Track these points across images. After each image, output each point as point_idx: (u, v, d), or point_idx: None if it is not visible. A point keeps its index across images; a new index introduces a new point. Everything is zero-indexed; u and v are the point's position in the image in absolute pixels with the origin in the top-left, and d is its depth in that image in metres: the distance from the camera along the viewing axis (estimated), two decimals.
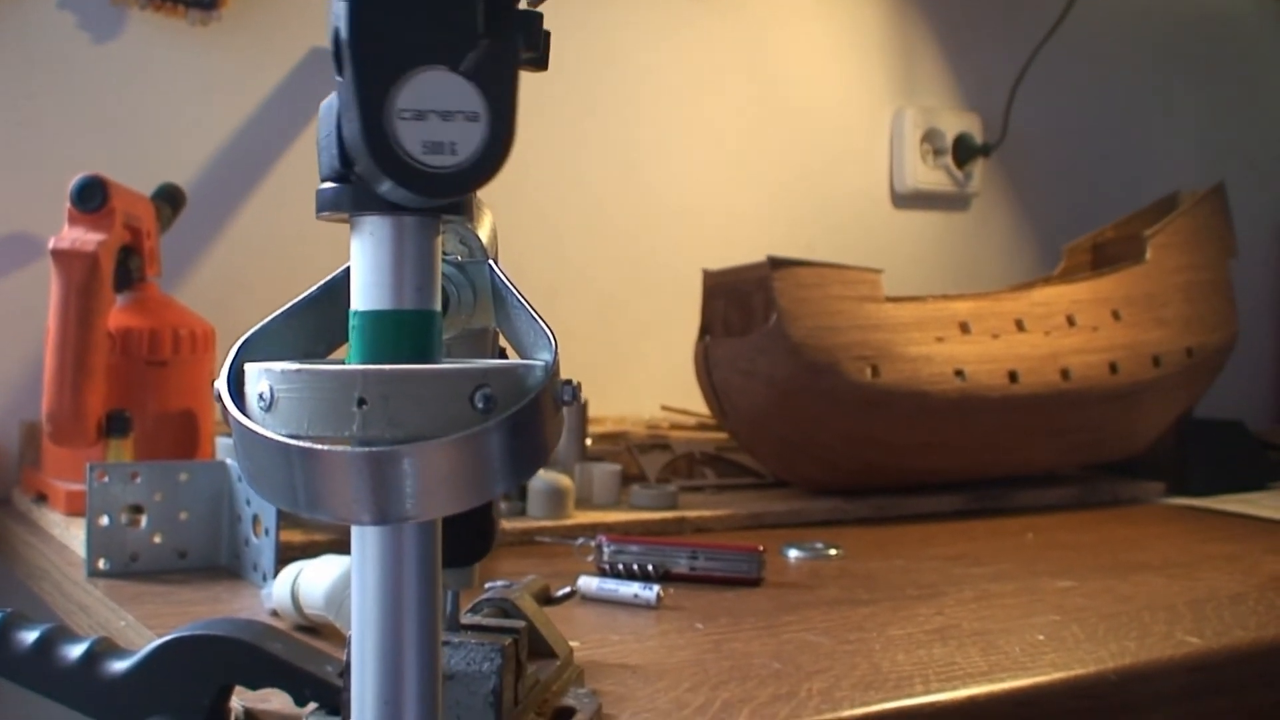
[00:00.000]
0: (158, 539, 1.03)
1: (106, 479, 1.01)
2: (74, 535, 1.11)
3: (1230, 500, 1.61)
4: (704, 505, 1.34)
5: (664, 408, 1.72)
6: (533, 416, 0.45)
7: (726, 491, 1.46)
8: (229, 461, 1.06)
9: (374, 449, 0.42)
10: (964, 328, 1.44)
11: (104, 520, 1.02)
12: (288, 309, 0.51)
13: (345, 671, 0.58)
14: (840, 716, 0.75)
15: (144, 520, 1.03)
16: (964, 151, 2.06)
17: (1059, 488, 1.57)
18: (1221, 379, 1.69)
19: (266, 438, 0.44)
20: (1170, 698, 0.90)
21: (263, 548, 1.00)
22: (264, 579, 0.98)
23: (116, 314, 1.22)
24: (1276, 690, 0.97)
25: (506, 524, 1.20)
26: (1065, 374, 1.47)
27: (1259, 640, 0.96)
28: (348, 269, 0.48)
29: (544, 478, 1.25)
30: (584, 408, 1.39)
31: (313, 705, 0.68)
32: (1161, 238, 1.62)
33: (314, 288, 0.51)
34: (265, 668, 0.68)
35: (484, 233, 0.55)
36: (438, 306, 0.46)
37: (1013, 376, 1.44)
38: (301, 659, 0.69)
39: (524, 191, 1.72)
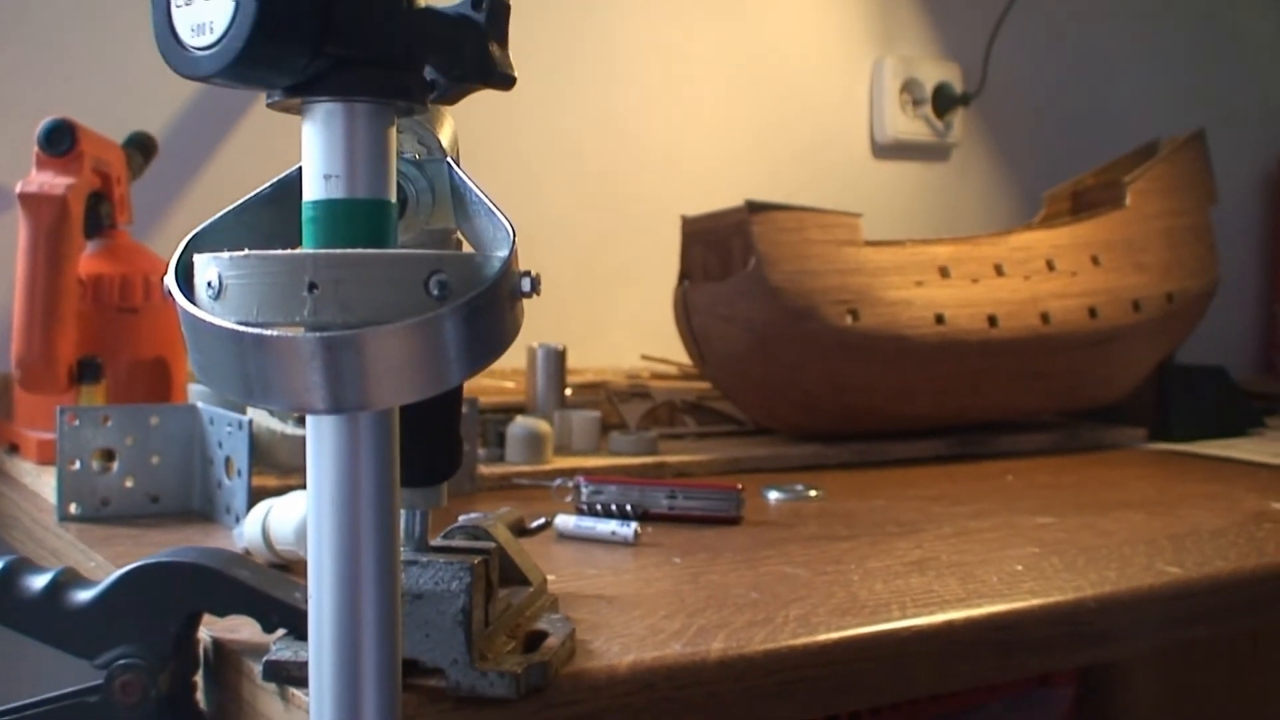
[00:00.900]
0: (129, 483, 1.02)
1: (77, 422, 1.00)
2: (45, 483, 1.10)
3: (1212, 445, 1.60)
4: (684, 451, 1.33)
5: (644, 357, 1.71)
6: (489, 305, 0.44)
7: (707, 439, 1.45)
8: (200, 405, 1.04)
9: (326, 334, 0.41)
10: (943, 272, 1.43)
11: (75, 464, 1.01)
12: (239, 205, 0.49)
13: None
14: (816, 640, 0.74)
15: (115, 465, 1.02)
16: (943, 101, 2.05)
17: (1040, 433, 1.56)
18: (1204, 327, 1.69)
19: (216, 326, 0.43)
20: (1151, 625, 0.90)
21: (235, 490, 0.99)
22: (236, 521, 0.97)
23: (87, 260, 1.20)
24: (1259, 616, 0.97)
25: (484, 469, 1.19)
26: (1045, 318, 1.47)
27: (1239, 570, 0.96)
28: (300, 167, 0.47)
29: (522, 423, 1.24)
30: (562, 355, 1.38)
31: (281, 632, 0.67)
32: (1141, 184, 1.61)
33: (266, 185, 0.50)
34: (232, 594, 0.67)
35: (444, 136, 0.54)
36: (392, 198, 0.45)
37: (992, 321, 1.43)
38: (269, 585, 0.68)
39: (502, 141, 1.70)
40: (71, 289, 1.13)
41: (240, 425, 0.98)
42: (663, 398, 1.51)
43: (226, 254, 0.44)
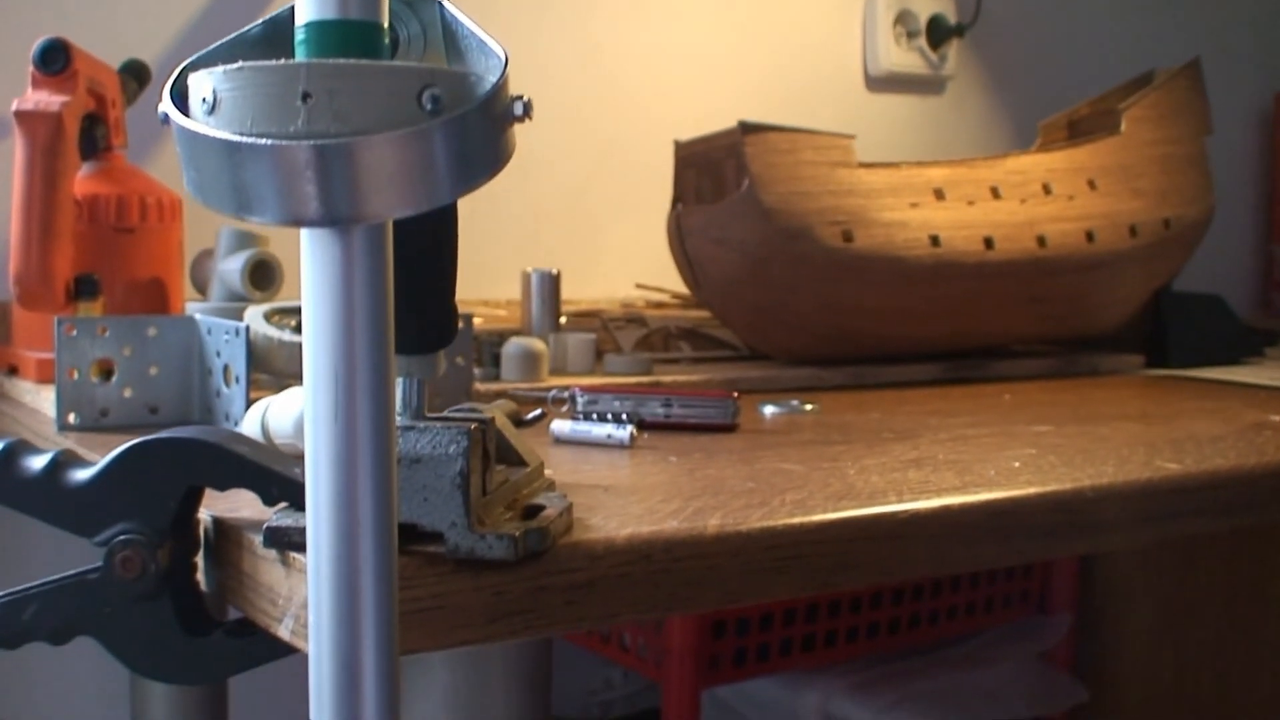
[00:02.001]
0: (128, 393, 1.02)
1: (75, 333, 1.00)
2: (44, 398, 1.10)
3: (1210, 372, 1.61)
4: (679, 374, 1.33)
5: (639, 286, 1.71)
6: (480, 122, 0.44)
7: (703, 363, 1.45)
8: (198, 316, 1.05)
9: (320, 142, 0.41)
10: (939, 194, 1.43)
11: (74, 374, 1.01)
12: (229, 40, 0.50)
13: None
14: (813, 520, 0.74)
15: (114, 376, 1.02)
16: (937, 33, 2.04)
17: (1037, 359, 1.57)
18: (1200, 265, 1.69)
19: (211, 138, 0.43)
20: (1151, 517, 0.90)
21: (233, 397, 0.99)
22: (235, 428, 0.97)
23: (83, 181, 1.20)
24: (1260, 512, 0.97)
25: (479, 386, 1.19)
26: (1041, 241, 1.47)
27: (1239, 467, 0.96)
28: (292, 7, 0.47)
29: (517, 342, 1.24)
30: (556, 280, 1.38)
31: (282, 505, 0.67)
32: (1136, 111, 1.61)
33: (257, 22, 0.50)
34: (232, 468, 0.68)
35: None
36: (384, 22, 0.45)
37: (988, 243, 1.43)
38: (269, 459, 0.68)
39: None
40: (68, 206, 1.13)
41: (237, 333, 0.98)
42: (658, 324, 1.51)
43: (220, 67, 0.44)
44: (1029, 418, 1.17)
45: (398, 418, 0.61)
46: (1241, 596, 1.75)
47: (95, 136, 1.22)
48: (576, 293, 1.63)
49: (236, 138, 0.42)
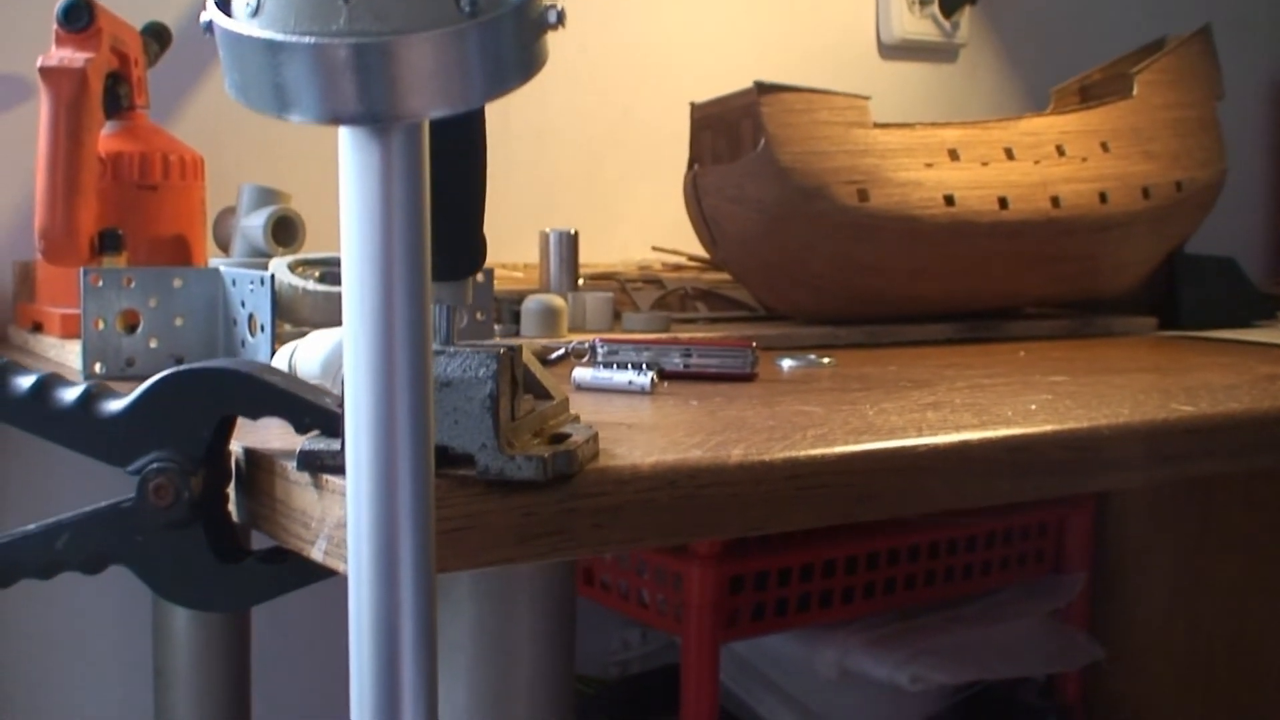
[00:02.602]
0: (154, 344, 1.04)
1: (101, 283, 1.02)
2: (69, 351, 1.12)
3: (1223, 333, 1.61)
4: (696, 332, 1.35)
5: (655, 248, 1.72)
6: (515, 26, 0.45)
7: (720, 323, 1.46)
8: (223, 268, 1.06)
9: (360, 40, 0.43)
10: (953, 155, 1.44)
11: (100, 324, 1.02)
12: None
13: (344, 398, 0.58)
14: (833, 452, 0.76)
15: (139, 327, 1.03)
16: (950, 1, 2.05)
17: (1051, 320, 1.58)
18: (1211, 231, 1.70)
19: (254, 38, 0.44)
20: (1166, 457, 0.91)
21: (259, 346, 1.00)
22: None
23: (106, 139, 1.21)
24: (1274, 455, 0.98)
25: (500, 341, 1.20)
26: (1055, 201, 1.47)
27: (1254, 409, 0.97)
28: None
29: (537, 298, 1.25)
30: (574, 239, 1.39)
31: (313, 433, 0.69)
32: (1148, 75, 1.62)
33: None
34: (264, 397, 0.69)
35: None
36: None
37: (1003, 203, 1.44)
38: (301, 389, 0.69)
39: None
40: (92, 162, 1.14)
41: (262, 282, 0.99)
42: (675, 285, 1.52)
43: None
44: (1044, 370, 1.18)
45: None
46: (1258, 554, 1.76)
47: (119, 95, 1.23)
48: (593, 257, 1.64)
49: (280, 37, 0.43)
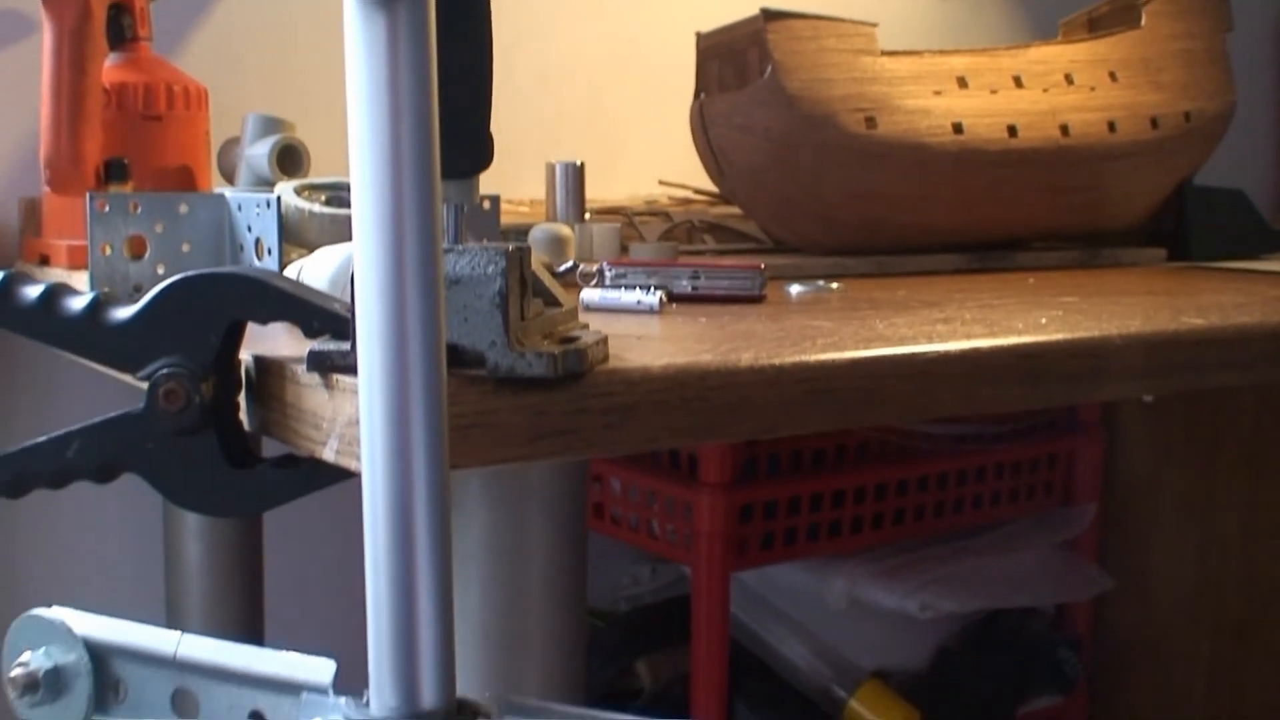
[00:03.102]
0: (160, 269, 1.03)
1: (107, 209, 1.01)
2: (77, 281, 1.11)
3: (1233, 264, 1.61)
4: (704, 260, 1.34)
5: (661, 182, 1.71)
6: None
7: (727, 255, 1.46)
8: (228, 194, 1.05)
9: None
10: (961, 82, 1.43)
11: (107, 250, 1.02)
12: None
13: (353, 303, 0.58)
14: (844, 356, 0.75)
15: (146, 253, 1.03)
16: None
17: (1060, 252, 1.57)
18: (1219, 168, 1.69)
19: None
20: (1177, 368, 0.91)
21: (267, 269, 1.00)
22: None
23: (110, 70, 1.21)
24: None
25: None
26: (1064, 130, 1.47)
27: (1265, 322, 0.97)
28: None
29: (544, 227, 1.25)
30: (581, 171, 1.38)
31: (323, 337, 0.68)
32: (1156, 5, 1.60)
33: None
34: (274, 301, 0.68)
35: None
36: None
37: (1012, 131, 1.43)
38: (310, 295, 0.69)
39: None
40: (96, 90, 1.13)
41: (269, 204, 0.99)
42: (682, 218, 1.51)
43: None
44: (1054, 292, 1.18)
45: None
46: (1266, 482, 1.76)
47: (122, 26, 1.22)
48: (599, 192, 1.63)
49: None
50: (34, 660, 0.62)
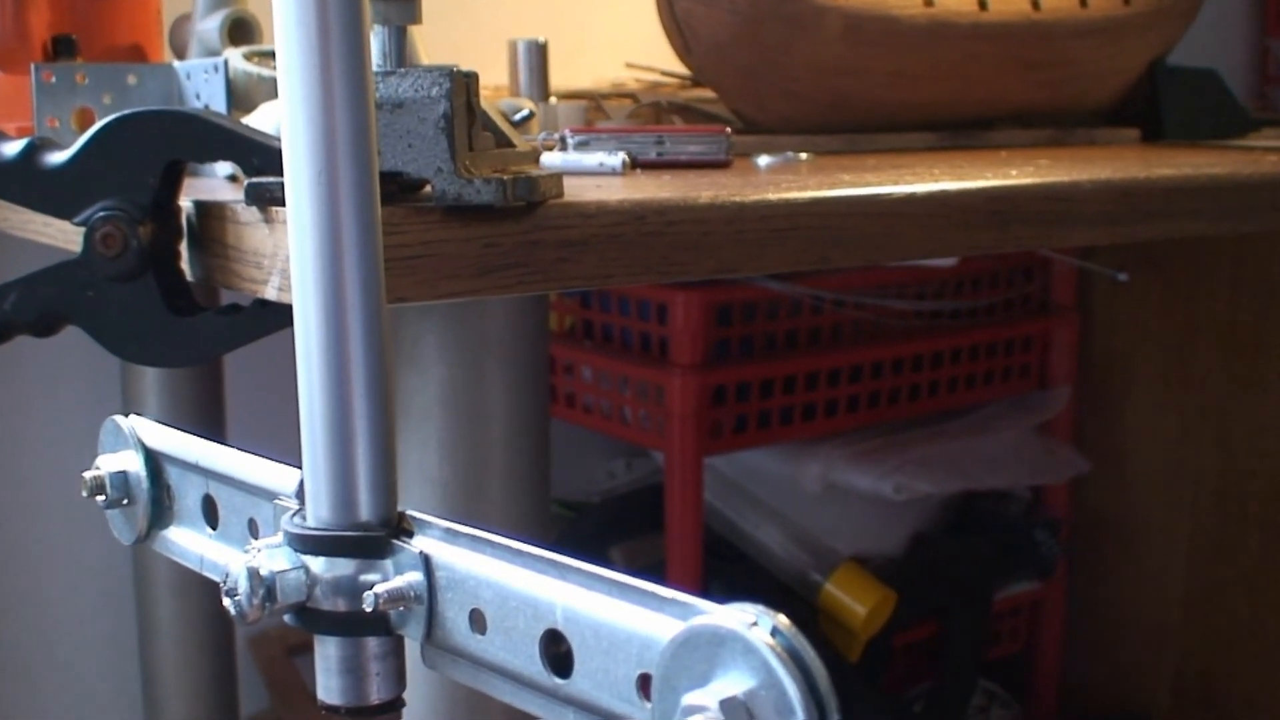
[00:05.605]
0: None
1: (54, 79, 0.98)
2: None
3: (1207, 144, 1.59)
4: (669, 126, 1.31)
5: (628, 65, 1.68)
6: None
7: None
8: (176, 64, 1.03)
9: None
10: None
11: (55, 124, 0.99)
12: None
13: None
14: (806, 195, 0.73)
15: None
16: None
17: (1033, 130, 1.55)
18: (1193, 56, 1.66)
19: None
20: (1149, 214, 0.89)
21: None
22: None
23: None
24: (1259, 218, 0.96)
25: None
26: (1035, 3, 1.44)
27: (1236, 174, 0.95)
28: None
29: (507, 101, 1.22)
30: (544, 49, 1.36)
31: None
32: None
33: None
34: (213, 138, 0.66)
35: None
36: None
37: (982, 4, 1.40)
38: (249, 131, 0.67)
39: None
40: None
41: (216, 69, 0.96)
42: (650, 100, 1.49)
43: None
44: (1028, 161, 1.16)
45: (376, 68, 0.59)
46: (1242, 360, 1.75)
47: None
48: (565, 79, 1.60)
49: None
50: (104, 465, 0.63)
